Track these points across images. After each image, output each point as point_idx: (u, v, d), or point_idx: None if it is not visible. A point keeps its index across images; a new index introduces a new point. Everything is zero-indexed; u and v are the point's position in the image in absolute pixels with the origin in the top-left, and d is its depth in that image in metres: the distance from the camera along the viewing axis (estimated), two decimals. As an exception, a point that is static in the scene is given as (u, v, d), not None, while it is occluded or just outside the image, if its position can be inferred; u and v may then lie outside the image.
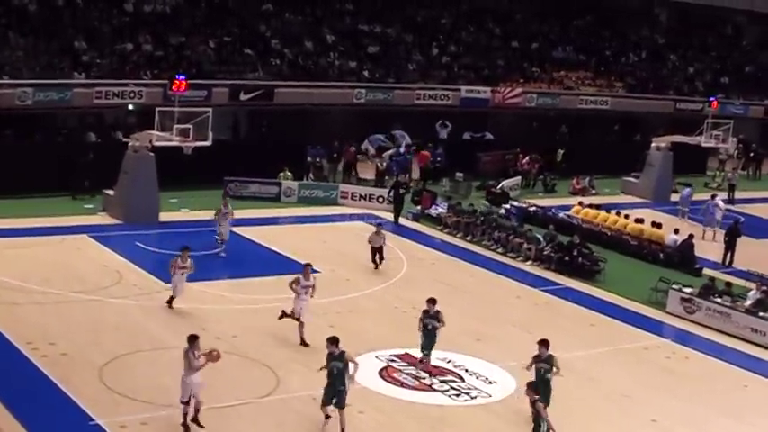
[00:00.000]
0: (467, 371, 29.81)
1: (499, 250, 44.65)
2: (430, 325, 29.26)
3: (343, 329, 31.11)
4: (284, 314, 30.75)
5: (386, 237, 39.44)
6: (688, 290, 38.35)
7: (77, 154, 47.45)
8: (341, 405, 23.67)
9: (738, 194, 62.34)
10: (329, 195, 51.29)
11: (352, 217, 48.59)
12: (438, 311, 29.35)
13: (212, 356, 23.83)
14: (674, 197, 58.96)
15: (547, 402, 24.36)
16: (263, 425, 24.91)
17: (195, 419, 23.95)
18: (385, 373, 29.07)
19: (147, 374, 27.36)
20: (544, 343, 26.18)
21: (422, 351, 29.48)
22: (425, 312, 29.42)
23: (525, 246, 43.88)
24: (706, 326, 36.62)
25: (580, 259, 42.36)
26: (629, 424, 26.63)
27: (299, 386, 27.32)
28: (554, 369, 25.57)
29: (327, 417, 24.26)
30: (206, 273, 35.66)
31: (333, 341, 24.53)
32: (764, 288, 38.99)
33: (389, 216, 48.31)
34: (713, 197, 53.49)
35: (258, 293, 34.62)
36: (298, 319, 30.50)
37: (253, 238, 42.26)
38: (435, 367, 29.59)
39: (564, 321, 35.94)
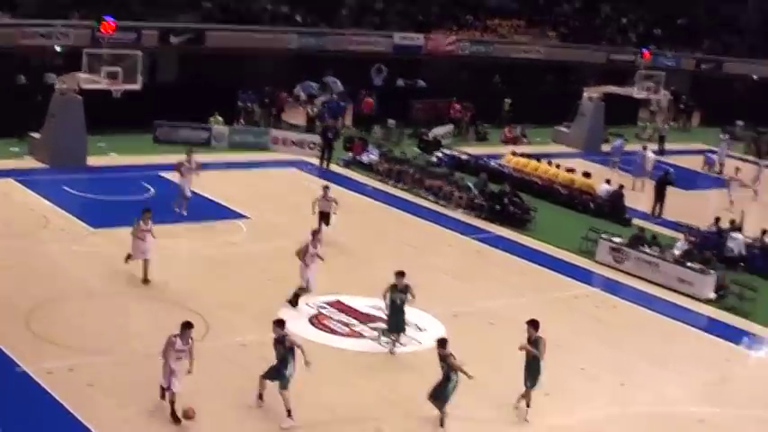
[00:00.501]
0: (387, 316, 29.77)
1: (431, 198, 44.65)
2: (398, 299, 27.20)
3: (273, 276, 31.06)
4: (297, 296, 29.67)
5: (336, 201, 36.31)
6: (617, 240, 38.61)
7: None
8: (282, 387, 22.48)
9: (668, 146, 62.84)
10: (260, 141, 50.91)
11: (283, 163, 48.25)
12: (407, 285, 27.24)
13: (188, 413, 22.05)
14: (606, 147, 59.29)
15: (533, 384, 24.23)
16: (193, 371, 24.68)
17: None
18: (315, 321, 28.97)
19: (75, 321, 27.05)
20: (533, 324, 24.61)
21: (390, 333, 27.55)
22: (394, 287, 27.23)
23: (457, 194, 43.91)
24: (634, 275, 36.92)
25: (511, 208, 42.48)
26: (558, 372, 26.69)
27: (229, 333, 27.17)
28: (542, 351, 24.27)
29: (261, 396, 23.04)
30: (134, 217, 35.44)
31: (279, 324, 22.97)
32: (692, 239, 39.43)
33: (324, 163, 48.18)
34: (644, 148, 53.85)
35: (188, 239, 34.32)
36: (305, 289, 29.62)
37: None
38: (365, 314, 29.53)
39: (494, 270, 36.06)
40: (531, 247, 39.37)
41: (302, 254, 29.40)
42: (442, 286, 32.71)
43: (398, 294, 27.07)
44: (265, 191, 42.59)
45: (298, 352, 22.57)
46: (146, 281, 29.81)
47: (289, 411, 22.21)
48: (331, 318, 29.26)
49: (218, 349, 26.10)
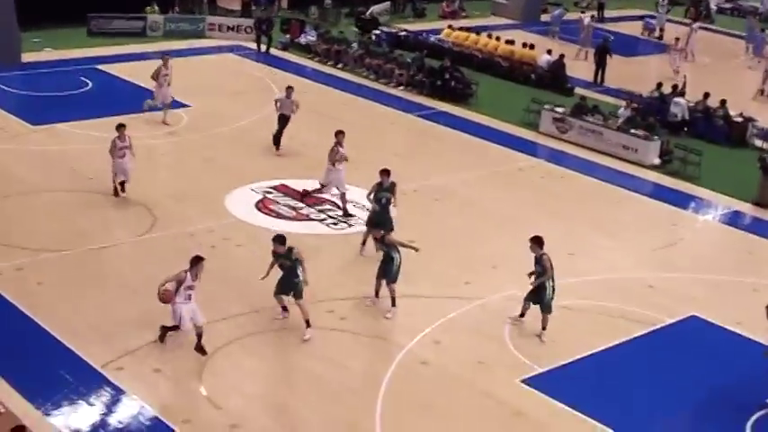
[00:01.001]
0: (343, 196, 29.63)
1: (371, 77, 44.27)
2: (384, 198, 26.09)
3: (216, 164, 30.74)
4: (309, 192, 29.06)
5: (298, 105, 33.65)
6: (560, 110, 38.55)
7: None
8: (298, 296, 21.78)
9: (608, 13, 62.53)
10: (196, 28, 49.95)
11: (221, 49, 47.51)
12: (393, 183, 26.24)
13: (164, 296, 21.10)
14: (545, 17, 58.94)
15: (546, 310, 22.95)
16: (143, 263, 24.53)
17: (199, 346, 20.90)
18: (261, 206, 28.79)
19: (19, 219, 26.66)
20: (537, 241, 22.83)
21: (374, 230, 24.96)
22: (379, 185, 26.16)
23: (397, 71, 43.56)
24: (579, 144, 36.95)
25: (452, 83, 42.22)
26: (507, 245, 26.81)
27: (177, 223, 26.94)
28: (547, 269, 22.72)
29: (284, 308, 22.36)
30: (73, 112, 34.88)
31: (279, 240, 21.86)
32: (634, 105, 39.41)
33: (262, 47, 47.53)
34: (582, 15, 53.59)
35: (129, 132, 33.68)
36: (322, 187, 28.71)
37: (120, 75, 41.12)
38: (311, 197, 29.36)
39: (438, 145, 35.94)
40: (474, 122, 39.22)
41: (331, 156, 28.19)
42: (387, 164, 32.39)
43: (384, 193, 26.15)
44: (204, 78, 41.96)
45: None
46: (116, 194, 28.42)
47: (307, 322, 21.65)
48: (277, 202, 29.07)
49: (166, 240, 25.92)
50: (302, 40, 48.84)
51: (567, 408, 20.09)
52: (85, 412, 18.68)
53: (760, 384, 21.53)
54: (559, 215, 29.75)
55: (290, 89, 33.53)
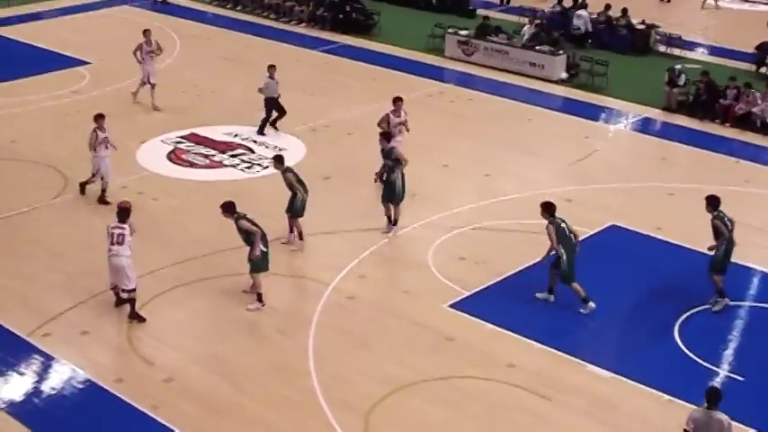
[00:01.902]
0: (255, 142, 29.44)
1: (272, 16, 43.86)
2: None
3: (123, 119, 30.26)
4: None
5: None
6: (464, 32, 38.48)
7: None
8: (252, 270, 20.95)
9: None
10: (89, -19, 49.05)
11: (115, 1, 46.68)
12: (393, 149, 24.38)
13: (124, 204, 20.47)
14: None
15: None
16: (60, 225, 24.17)
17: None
18: (173, 156, 28.47)
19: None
20: (547, 208, 21.14)
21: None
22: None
23: (297, 8, 43.21)
24: (485, 66, 36.96)
25: (354, 15, 41.97)
26: (423, 171, 26.77)
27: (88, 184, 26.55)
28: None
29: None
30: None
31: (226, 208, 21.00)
32: (538, 21, 39.43)
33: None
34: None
35: (30, 94, 33.18)
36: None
37: (17, 38, 40.29)
38: (223, 143, 29.09)
39: (346, 79, 35.75)
40: (379, 52, 39.06)
41: (383, 124, 26.16)
42: (295, 103, 32.24)
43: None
44: (102, 33, 41.26)
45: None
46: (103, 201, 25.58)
47: (259, 296, 21.03)
48: (189, 151, 28.76)
49: (81, 200, 25.55)
50: (196, -16, 48.21)
51: (497, 328, 20.20)
52: (17, 382, 18.40)
53: (684, 286, 21.83)
54: (472, 138, 29.79)
55: (272, 68, 30.19)
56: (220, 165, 28.01)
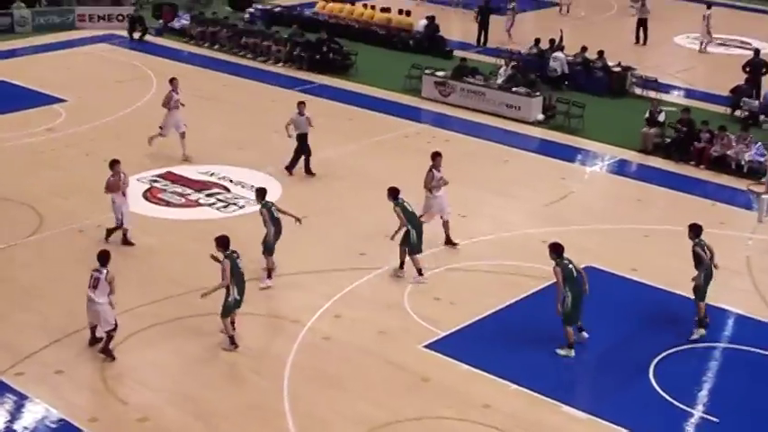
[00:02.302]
0: (231, 181, 29.43)
1: (249, 56, 43.94)
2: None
3: (99, 157, 30.17)
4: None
5: (311, 118, 30.53)
6: (441, 73, 38.63)
7: None
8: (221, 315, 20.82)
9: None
10: (66, 20, 48.99)
11: (93, 39, 46.70)
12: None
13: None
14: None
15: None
16: (35, 264, 24.08)
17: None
18: (149, 195, 28.42)
19: None
20: (555, 250, 21.18)
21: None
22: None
23: (274, 48, 43.32)
24: (462, 107, 37.09)
25: (331, 55, 42.10)
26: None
27: (64, 221, 26.43)
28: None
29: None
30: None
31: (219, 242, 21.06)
32: (514, 63, 39.61)
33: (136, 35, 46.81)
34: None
35: (5, 131, 33.11)
36: (445, 223, 25.70)
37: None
38: (198, 181, 29.07)
39: (322, 119, 35.62)
40: (356, 92, 39.17)
41: (428, 182, 25.41)
42: (271, 143, 32.32)
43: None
44: (79, 71, 41.27)
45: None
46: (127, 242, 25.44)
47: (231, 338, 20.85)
48: (165, 190, 28.72)
49: (56, 238, 25.46)
50: (176, 24, 48.31)
51: (472, 368, 20.19)
52: (-12, 421, 18.31)
53: (659, 327, 21.89)
54: (448, 178, 29.70)
55: (301, 105, 30.19)
56: (196, 204, 27.96)
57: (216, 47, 45.41)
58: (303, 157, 30.13)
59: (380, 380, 19.83)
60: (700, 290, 21.85)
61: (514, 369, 20.15)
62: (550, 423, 18.67)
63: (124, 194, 25.33)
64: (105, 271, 19.88)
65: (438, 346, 21.05)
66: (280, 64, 42.80)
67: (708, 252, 21.74)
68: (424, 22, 46.24)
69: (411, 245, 23.70)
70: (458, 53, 43.78)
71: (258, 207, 23.45)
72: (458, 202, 27.31)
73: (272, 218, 23.27)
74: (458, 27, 49.30)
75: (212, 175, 29.73)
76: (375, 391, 19.49)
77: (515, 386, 19.66)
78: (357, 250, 25.05)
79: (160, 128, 30.84)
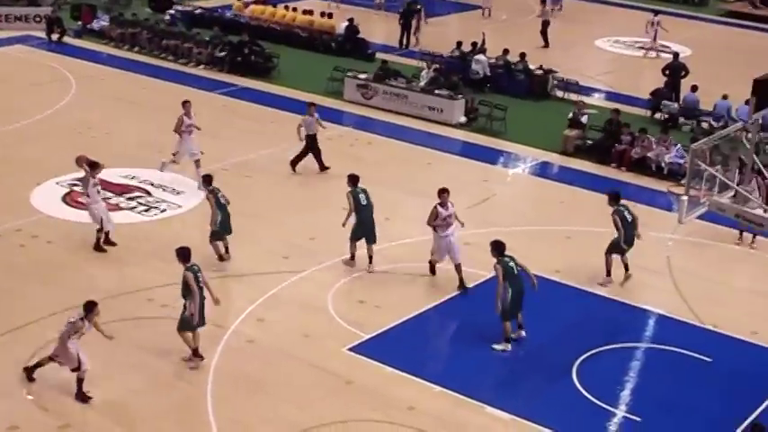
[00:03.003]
0: (152, 184, 29.16)
1: (170, 58, 43.59)
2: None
3: (16, 160, 29.81)
4: (431, 266, 24.50)
5: (320, 120, 31.05)
6: (363, 76, 38.61)
7: None
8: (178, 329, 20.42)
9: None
10: (-19, 21, 48.32)
11: (9, 40, 46.00)
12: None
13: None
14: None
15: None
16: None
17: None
18: (69, 199, 28.05)
19: None
20: (496, 246, 21.57)
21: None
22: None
23: (195, 50, 43.01)
24: (385, 109, 37.09)
25: (252, 57, 41.91)
26: (322, 215, 26.81)
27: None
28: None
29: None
30: None
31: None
32: (436, 66, 39.70)
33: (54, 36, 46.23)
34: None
35: None
36: (456, 267, 24.07)
37: None
38: (119, 185, 28.77)
39: (245, 122, 35.61)
40: (278, 95, 39.02)
41: (433, 220, 24.05)
42: (194, 146, 32.16)
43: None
44: (-3, 72, 40.74)
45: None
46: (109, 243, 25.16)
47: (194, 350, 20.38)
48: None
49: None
50: (95, 25, 47.72)
51: (397, 371, 20.18)
52: None
53: (581, 328, 22.04)
54: (372, 181, 29.63)
55: (311, 106, 30.88)
56: (117, 208, 27.63)
57: (136, 49, 44.96)
58: (314, 157, 30.76)
59: (305, 383, 19.75)
60: (615, 248, 24.03)
61: (439, 371, 20.19)
62: (475, 424, 18.72)
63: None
64: (79, 322, 18.87)
65: (362, 348, 21.02)
66: (201, 66, 42.52)
67: (630, 218, 23.84)
68: (345, 24, 46.18)
69: (354, 234, 24.43)
70: (380, 56, 43.79)
71: (205, 193, 23.86)
72: (382, 205, 27.24)
73: (218, 203, 23.65)
74: (381, 29, 49.30)
75: (133, 178, 29.43)
76: (299, 394, 19.40)
77: (440, 388, 19.68)
78: (281, 253, 24.94)
79: (173, 154, 29.32)
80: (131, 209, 27.60)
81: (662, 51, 47.96)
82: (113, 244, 25.03)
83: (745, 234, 27.06)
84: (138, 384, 19.52)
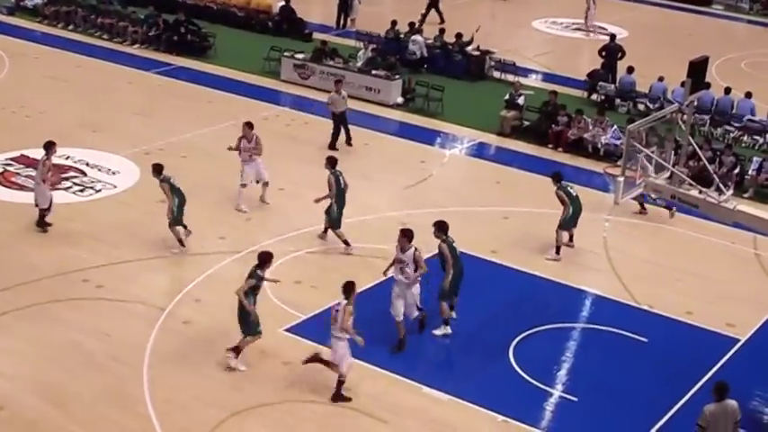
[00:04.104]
0: (88, 164, 28.90)
1: (104, 36, 43.14)
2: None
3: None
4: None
5: (346, 97, 31.62)
6: (300, 56, 38.46)
7: None
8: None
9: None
10: None
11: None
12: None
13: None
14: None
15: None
16: None
17: None
18: (2, 179, 27.76)
19: None
20: (440, 226, 21.40)
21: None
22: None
23: (131, 29, 42.60)
24: (322, 90, 36.92)
25: (189, 36, 41.59)
26: (256, 194, 26.68)
27: None
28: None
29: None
30: None
31: None
32: (374, 46, 39.65)
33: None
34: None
35: None
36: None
37: None
38: (55, 165, 28.43)
39: (180, 102, 35.36)
40: (214, 74, 38.78)
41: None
42: (128, 125, 31.89)
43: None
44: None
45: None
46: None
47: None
48: (19, 174, 28.05)
49: None
50: (28, 3, 47.08)
51: (334, 352, 20.14)
52: None
53: (518, 308, 22.14)
54: (308, 161, 29.62)
55: (338, 83, 32.02)
56: (52, 188, 27.33)
57: (70, 27, 44.45)
58: (337, 133, 31.58)
59: (242, 364, 19.66)
60: (562, 225, 24.74)
61: (375, 351, 20.16)
62: (412, 405, 18.74)
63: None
64: None
65: (299, 329, 20.99)
66: (136, 45, 42.13)
67: (572, 194, 24.83)
68: (281, 3, 45.96)
69: (331, 218, 24.53)
70: (317, 36, 43.66)
71: (158, 182, 23.61)
72: (318, 185, 27.15)
73: (172, 189, 23.54)
74: (318, 10, 49.11)
75: (68, 158, 29.12)
76: (236, 375, 19.32)
77: (377, 368, 19.68)
78: (217, 234, 24.83)
79: (242, 185, 26.83)
80: (66, 189, 27.32)
81: (595, 32, 48.31)
82: (48, 224, 24.77)
83: (650, 206, 27.49)
84: (74, 365, 19.34)
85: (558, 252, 24.82)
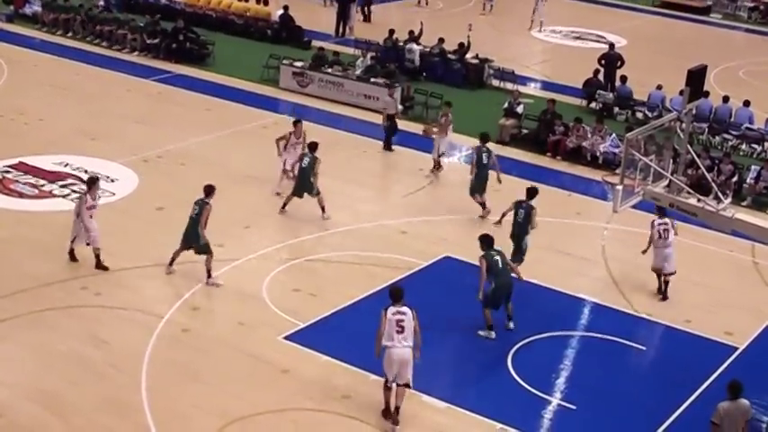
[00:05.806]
0: (86, 172, 28.85)
1: (103, 44, 43.15)
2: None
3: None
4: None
5: (396, 100, 33.27)
6: (299, 64, 38.48)
7: None
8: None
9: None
10: None
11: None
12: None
13: None
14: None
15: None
16: None
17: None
18: (1, 186, 27.72)
19: None
20: (485, 239, 21.72)
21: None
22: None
23: (130, 36, 42.61)
24: (320, 97, 36.99)
25: (187, 44, 41.62)
26: (255, 203, 26.69)
27: None
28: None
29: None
30: None
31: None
32: (372, 54, 39.67)
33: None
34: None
35: None
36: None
37: None
38: (52, 172, 28.46)
39: (179, 109, 35.37)
40: (213, 82, 38.79)
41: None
42: (127, 133, 31.86)
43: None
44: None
45: None
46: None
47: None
48: (17, 181, 28.04)
49: None
50: (27, 10, 47.14)
51: (332, 360, 20.13)
52: None
53: (516, 316, 22.08)
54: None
55: (391, 88, 33.52)
56: (50, 195, 27.35)
57: (69, 34, 44.48)
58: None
59: (240, 372, 19.65)
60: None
61: (374, 360, 20.10)
62: (411, 413, 18.69)
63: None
64: None
65: (298, 337, 20.95)
66: (135, 53, 42.14)
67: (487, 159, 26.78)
68: (280, 11, 46.00)
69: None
70: (316, 43, 43.68)
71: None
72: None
73: None
74: (317, 18, 49.11)
75: (66, 165, 29.11)
76: (234, 383, 19.29)
77: (375, 377, 19.63)
78: (215, 242, 24.75)
79: (284, 171, 28.20)
80: (64, 196, 27.28)
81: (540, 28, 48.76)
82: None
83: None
84: (72, 373, 19.30)
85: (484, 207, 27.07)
